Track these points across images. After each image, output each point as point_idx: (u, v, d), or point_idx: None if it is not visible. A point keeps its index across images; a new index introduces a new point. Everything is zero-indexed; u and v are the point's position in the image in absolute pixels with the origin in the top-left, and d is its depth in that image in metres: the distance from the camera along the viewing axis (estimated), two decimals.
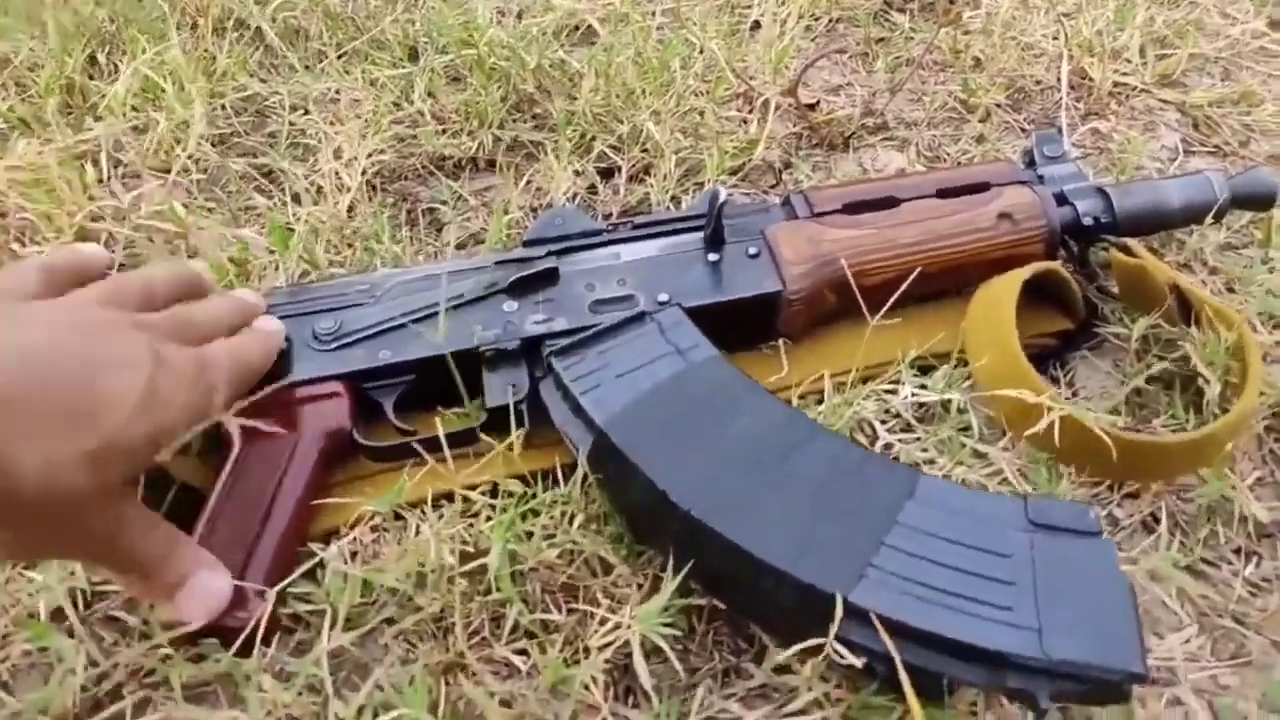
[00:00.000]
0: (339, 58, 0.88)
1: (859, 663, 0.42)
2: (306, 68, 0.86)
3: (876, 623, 0.42)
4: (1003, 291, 0.59)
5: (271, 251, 0.66)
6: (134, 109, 0.80)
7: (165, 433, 0.43)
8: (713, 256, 0.61)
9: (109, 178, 0.73)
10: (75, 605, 0.50)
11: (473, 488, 0.54)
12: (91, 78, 0.84)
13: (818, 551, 0.45)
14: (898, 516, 0.46)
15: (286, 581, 0.49)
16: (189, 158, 0.75)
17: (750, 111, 0.82)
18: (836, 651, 0.42)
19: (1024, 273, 0.60)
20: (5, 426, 0.38)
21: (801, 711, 0.47)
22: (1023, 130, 0.83)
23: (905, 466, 0.52)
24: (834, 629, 0.42)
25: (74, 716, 0.47)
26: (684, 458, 0.49)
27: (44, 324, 0.43)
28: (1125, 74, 0.85)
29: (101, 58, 0.86)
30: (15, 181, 0.69)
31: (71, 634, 0.49)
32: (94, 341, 0.43)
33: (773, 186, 0.78)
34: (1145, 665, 0.41)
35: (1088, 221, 0.64)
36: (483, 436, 0.54)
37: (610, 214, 0.74)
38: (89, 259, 0.50)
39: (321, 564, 0.52)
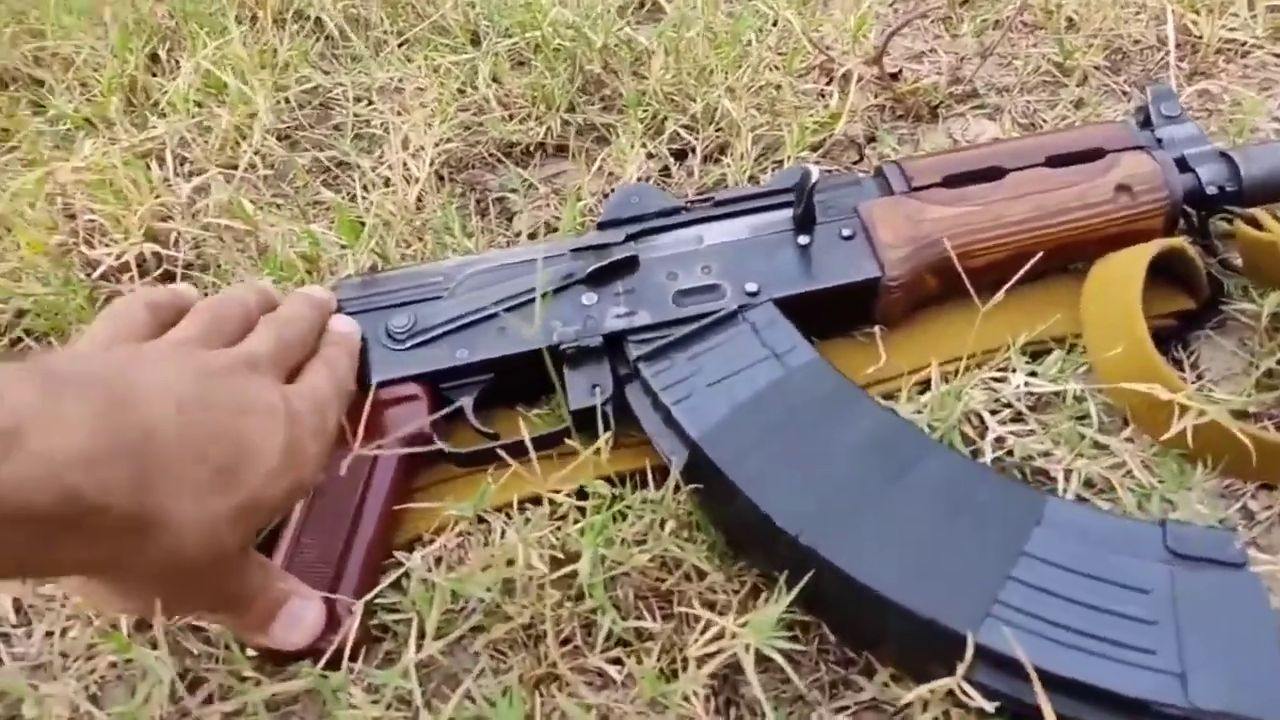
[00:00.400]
0: (400, 45, 0.86)
1: (990, 707, 0.39)
2: (369, 57, 0.84)
3: (1025, 660, 0.38)
4: (1125, 272, 0.54)
5: (343, 246, 0.65)
6: (198, 104, 0.78)
7: (302, 486, 0.43)
8: (803, 239, 0.57)
9: (175, 175, 0.72)
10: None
11: (558, 490, 0.51)
12: (154, 75, 0.83)
13: (940, 584, 0.42)
14: (1024, 546, 0.43)
15: (373, 594, 0.47)
16: (255, 153, 0.74)
17: (829, 84, 0.78)
18: (965, 693, 0.39)
19: (1148, 251, 0.55)
20: (168, 482, 0.36)
21: None
22: (1124, 93, 0.77)
23: (1029, 487, 0.48)
24: (962, 669, 0.39)
25: None
26: (788, 476, 0.46)
27: (187, 371, 0.41)
28: (1234, 29, 0.79)
29: (163, 54, 0.85)
30: (82, 183, 0.68)
31: (155, 645, 0.48)
32: (233, 390, 0.42)
33: (856, 162, 0.74)
34: None
35: (1212, 191, 0.59)
36: (570, 439, 0.52)
37: (687, 195, 0.71)
38: (185, 299, 0.49)
39: (407, 573, 0.50)
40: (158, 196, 0.69)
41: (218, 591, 0.42)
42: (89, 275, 0.66)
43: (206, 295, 0.64)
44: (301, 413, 0.44)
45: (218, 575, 0.41)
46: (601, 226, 0.60)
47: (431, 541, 0.52)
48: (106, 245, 0.66)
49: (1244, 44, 0.79)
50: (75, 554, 0.35)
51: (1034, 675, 0.38)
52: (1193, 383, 0.56)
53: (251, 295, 0.50)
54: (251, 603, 0.43)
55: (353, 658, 0.46)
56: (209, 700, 0.46)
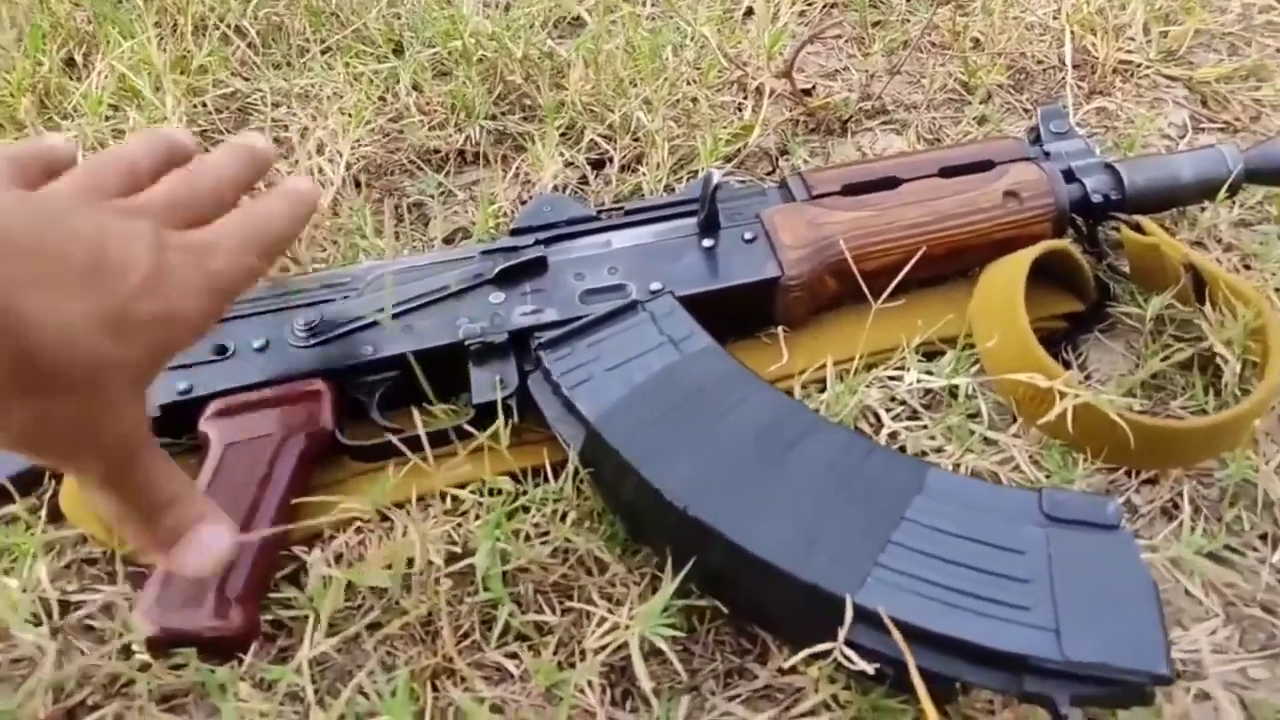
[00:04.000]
0: (323, 53, 0.86)
1: (870, 669, 0.39)
2: (289, 64, 0.84)
3: (889, 625, 0.39)
4: (1010, 272, 0.56)
5: None
6: (113, 108, 0.78)
7: (177, 319, 0.40)
8: (707, 242, 0.58)
9: None
10: (49, 614, 0.48)
11: (463, 486, 0.52)
12: (70, 79, 0.82)
13: (822, 550, 0.42)
14: (905, 512, 0.44)
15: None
16: None
17: (745, 98, 0.80)
18: (846, 657, 0.40)
19: (1032, 252, 0.57)
20: (21, 276, 0.34)
21: (809, 713, 0.44)
22: (1025, 111, 0.80)
23: (912, 458, 0.49)
24: (843, 633, 0.40)
25: None
26: (680, 454, 0.47)
27: (40, 198, 0.39)
28: (1129, 51, 0.83)
29: (79, 58, 0.84)
30: None
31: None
32: (92, 216, 0.38)
33: (769, 173, 0.76)
34: (1171, 666, 0.39)
35: (1097, 199, 0.61)
36: (473, 432, 0.52)
37: (603, 204, 0.72)
38: (58, 149, 0.44)
39: (304, 568, 0.50)
40: None
41: (117, 443, 0.39)
42: None
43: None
44: (172, 244, 0.40)
45: (99, 407, 0.38)
46: (514, 233, 0.61)
47: (332, 538, 0.52)
48: None
49: (1138, 65, 0.82)
50: None
51: (894, 629, 0.39)
52: (1080, 382, 0.58)
53: (143, 151, 0.45)
54: (164, 508, 0.41)
55: (243, 651, 0.45)
56: (95, 695, 0.46)
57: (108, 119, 0.76)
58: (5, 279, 0.34)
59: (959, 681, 0.40)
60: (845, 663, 0.40)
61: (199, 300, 0.41)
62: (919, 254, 0.57)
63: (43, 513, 0.51)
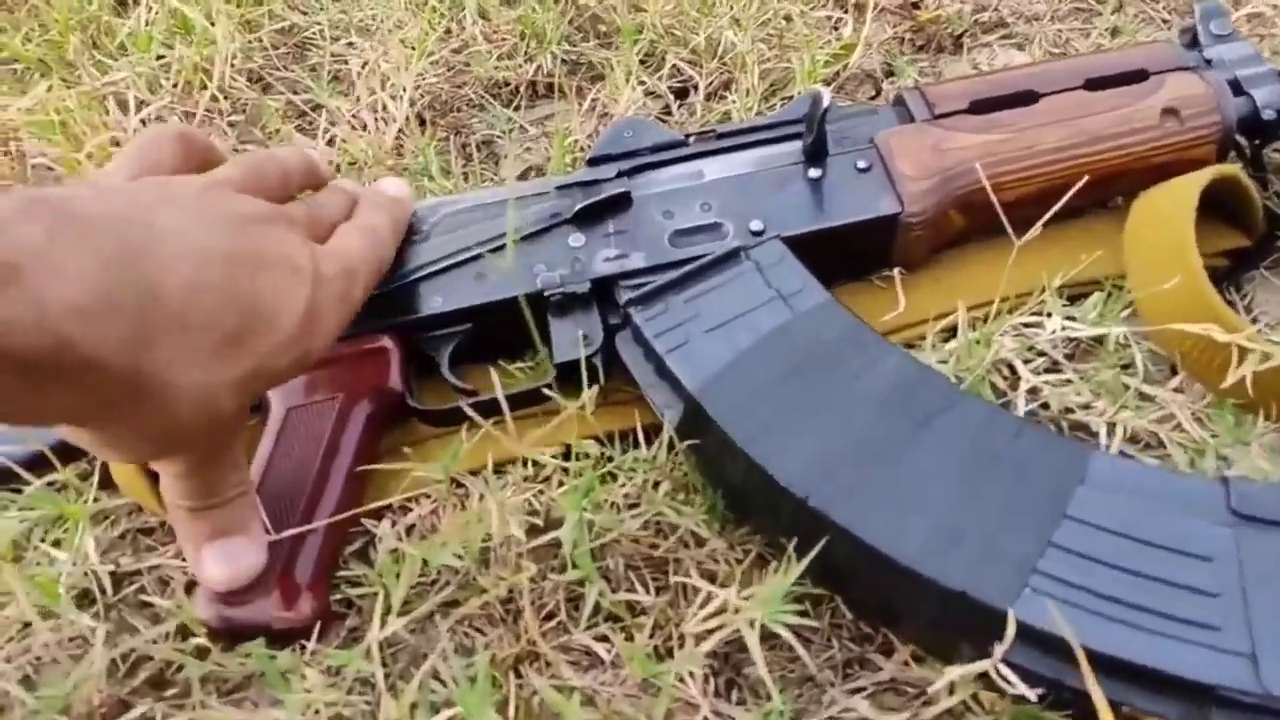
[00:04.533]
0: None
1: (1033, 694, 0.33)
2: None
3: (1080, 657, 0.32)
4: (1176, 202, 0.48)
5: None
6: (166, 45, 0.73)
7: (309, 358, 0.40)
8: (814, 172, 0.52)
9: (135, 117, 0.67)
10: (102, 590, 0.45)
11: (541, 450, 0.46)
12: (120, 17, 0.78)
13: (969, 553, 0.37)
14: (1067, 507, 0.37)
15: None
16: (218, 89, 0.68)
17: (844, 13, 0.72)
18: (1004, 678, 0.34)
19: (1200, 180, 0.49)
20: (169, 346, 0.34)
21: (948, 714, 0.38)
22: (1164, 21, 0.71)
23: (1071, 441, 0.42)
24: (1000, 650, 0.34)
25: (100, 716, 0.41)
26: (795, 431, 0.41)
27: (214, 216, 0.37)
28: None
29: None
30: (32, 124, 0.63)
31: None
32: (259, 241, 0.38)
33: (872, 98, 0.68)
34: None
35: (1269, 115, 0.52)
36: (553, 394, 0.46)
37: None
38: (218, 150, 0.46)
39: (373, 541, 0.45)
40: (115, 141, 0.64)
41: (208, 452, 0.39)
42: None
43: None
44: (328, 276, 0.41)
45: (207, 438, 0.38)
46: (592, 163, 0.54)
47: (403, 510, 0.47)
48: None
49: None
50: (63, 402, 0.33)
51: (1081, 655, 0.32)
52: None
53: (297, 161, 0.47)
54: (217, 505, 0.40)
55: (307, 639, 0.41)
56: (151, 684, 0.42)
57: (160, 58, 0.72)
58: (157, 352, 0.33)
59: (1128, 708, 0.34)
60: (1001, 683, 0.34)
61: (330, 339, 0.41)
62: (1063, 186, 0.49)
63: (93, 480, 0.47)
